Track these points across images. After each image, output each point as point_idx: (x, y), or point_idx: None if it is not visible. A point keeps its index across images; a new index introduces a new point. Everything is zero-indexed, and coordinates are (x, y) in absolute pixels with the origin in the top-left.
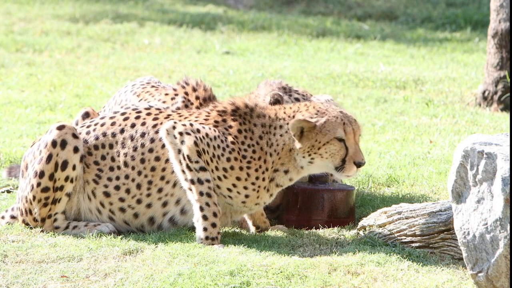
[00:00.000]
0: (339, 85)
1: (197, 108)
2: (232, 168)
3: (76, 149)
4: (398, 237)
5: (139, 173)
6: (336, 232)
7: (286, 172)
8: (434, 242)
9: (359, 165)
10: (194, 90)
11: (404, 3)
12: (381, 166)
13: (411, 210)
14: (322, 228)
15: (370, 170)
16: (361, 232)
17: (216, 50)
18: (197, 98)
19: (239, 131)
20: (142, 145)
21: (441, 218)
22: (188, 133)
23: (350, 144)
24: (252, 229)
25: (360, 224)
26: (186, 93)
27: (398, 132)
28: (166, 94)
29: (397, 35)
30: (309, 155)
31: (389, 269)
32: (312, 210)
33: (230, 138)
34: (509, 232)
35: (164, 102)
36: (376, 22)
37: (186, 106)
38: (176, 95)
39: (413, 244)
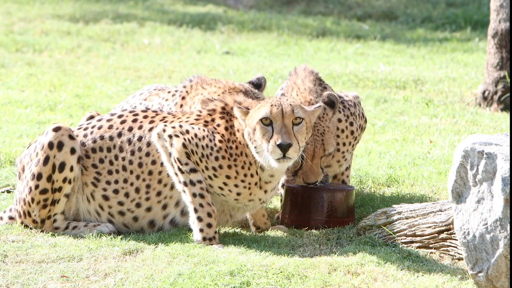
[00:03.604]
0: (339, 85)
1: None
2: (220, 167)
3: (73, 151)
4: (398, 237)
5: (137, 177)
6: (336, 232)
7: (261, 167)
8: (434, 242)
9: (280, 146)
10: (191, 81)
11: (404, 3)
12: (381, 166)
13: (411, 210)
14: (322, 228)
15: (370, 170)
16: (361, 232)
17: (216, 50)
18: (191, 86)
19: (226, 129)
20: (139, 149)
21: (441, 218)
22: (177, 135)
23: (276, 126)
24: (252, 229)
25: (360, 224)
26: (184, 86)
27: (398, 132)
28: (169, 92)
29: (397, 35)
30: (252, 143)
31: (389, 269)
32: (312, 210)
33: (218, 137)
34: (509, 232)
35: (166, 100)
36: (376, 22)
37: (183, 98)
38: (177, 91)
39: (413, 244)
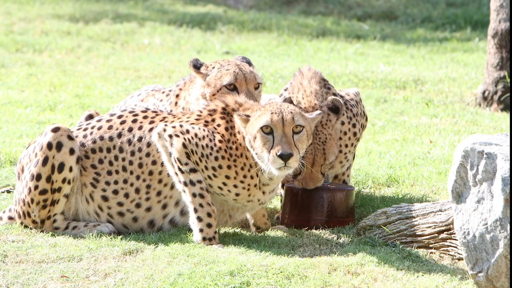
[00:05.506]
0: (339, 85)
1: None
2: (220, 167)
3: (72, 151)
4: (398, 237)
5: (138, 177)
6: (336, 232)
7: (261, 170)
8: (434, 242)
9: (281, 156)
10: (183, 79)
11: (404, 3)
12: (381, 166)
13: (411, 210)
14: (322, 228)
15: (370, 170)
16: (361, 232)
17: (216, 50)
18: (185, 83)
19: (226, 129)
20: (140, 150)
21: (441, 218)
22: (177, 135)
23: (277, 135)
24: (253, 229)
25: (360, 224)
26: (177, 85)
27: (398, 132)
28: (163, 93)
29: (397, 35)
30: (253, 150)
31: (389, 269)
32: (312, 210)
33: (218, 137)
34: (509, 232)
35: (161, 100)
36: (376, 22)
37: (177, 96)
38: (170, 91)
39: (413, 244)
